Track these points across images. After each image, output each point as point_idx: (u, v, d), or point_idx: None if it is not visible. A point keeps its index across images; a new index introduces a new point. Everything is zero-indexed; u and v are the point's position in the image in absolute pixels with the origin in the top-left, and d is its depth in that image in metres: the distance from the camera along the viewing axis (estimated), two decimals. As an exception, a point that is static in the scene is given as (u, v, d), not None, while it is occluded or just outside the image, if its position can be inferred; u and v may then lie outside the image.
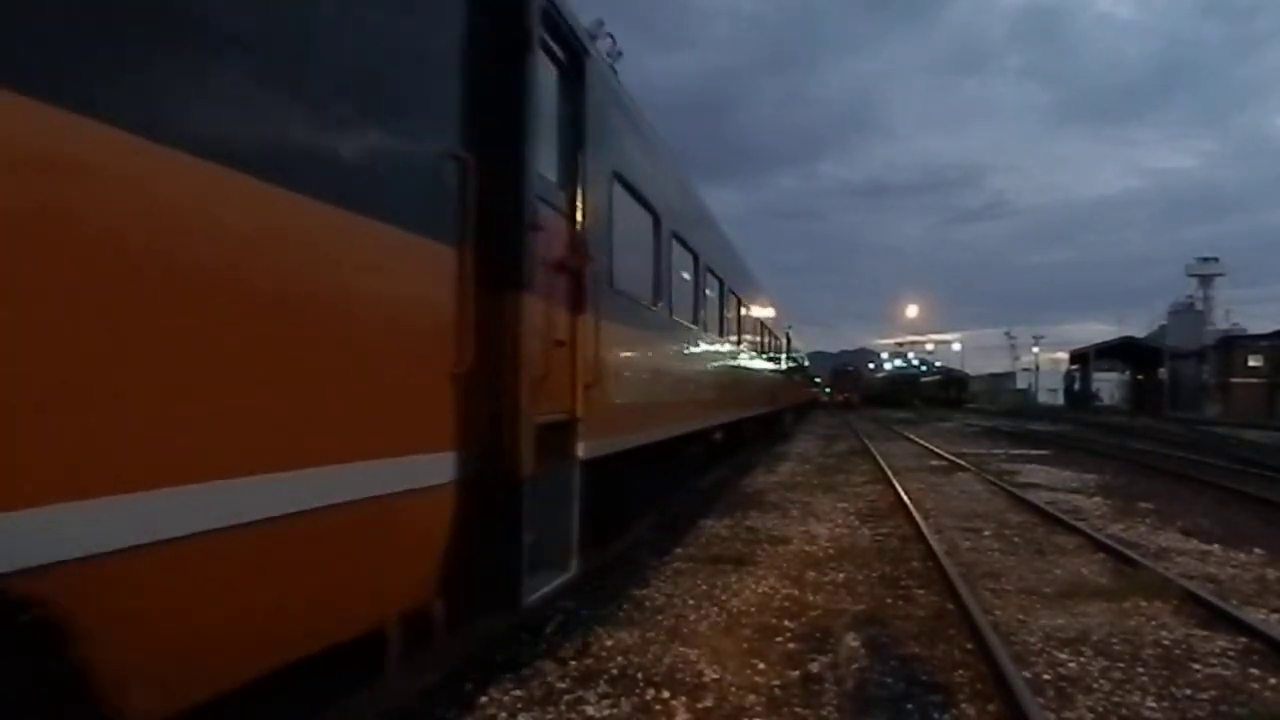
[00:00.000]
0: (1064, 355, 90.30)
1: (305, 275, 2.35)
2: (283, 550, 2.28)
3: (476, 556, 3.36)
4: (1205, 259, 73.88)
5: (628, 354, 5.60)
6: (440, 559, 3.17)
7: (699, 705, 4.05)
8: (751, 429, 16.59)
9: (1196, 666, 4.63)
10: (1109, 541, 7.89)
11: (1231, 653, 4.85)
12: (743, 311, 13.07)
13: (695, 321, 8.60)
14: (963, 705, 4.05)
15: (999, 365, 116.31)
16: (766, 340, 17.53)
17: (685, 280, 8.35)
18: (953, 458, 17.60)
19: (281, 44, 2.27)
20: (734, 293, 11.97)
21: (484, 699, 4.06)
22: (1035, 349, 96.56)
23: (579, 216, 4.45)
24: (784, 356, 22.89)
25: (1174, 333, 65.73)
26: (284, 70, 2.26)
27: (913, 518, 9.30)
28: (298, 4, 2.36)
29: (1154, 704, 4.09)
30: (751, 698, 4.15)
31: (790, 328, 26.04)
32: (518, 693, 4.15)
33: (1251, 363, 57.81)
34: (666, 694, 4.18)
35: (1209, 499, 11.70)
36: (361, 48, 2.63)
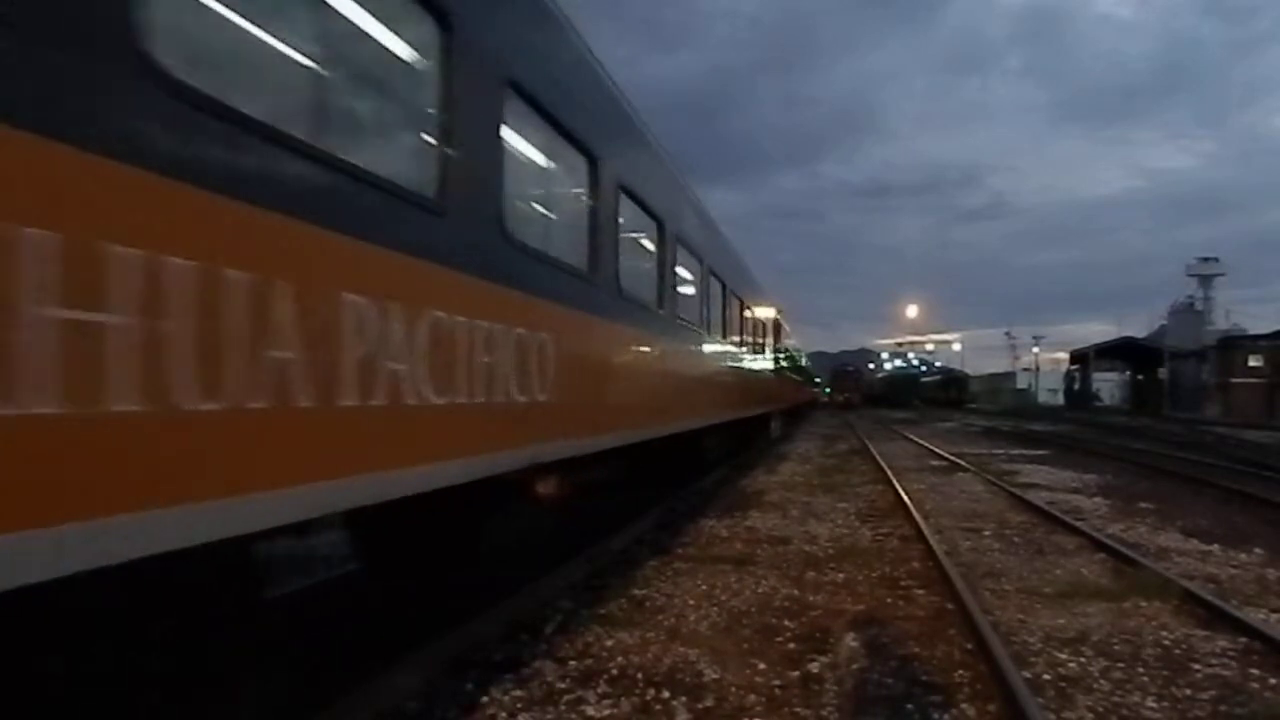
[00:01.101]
0: (1064, 355, 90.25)
1: None
2: None
3: None
4: (1205, 259, 73.74)
5: None
6: None
7: (699, 705, 4.04)
8: (717, 442, 12.92)
9: (1197, 666, 4.62)
10: (1109, 541, 7.89)
11: (1232, 653, 4.84)
12: (683, 269, 9.24)
13: (546, 252, 4.84)
14: (963, 705, 4.05)
15: (999, 365, 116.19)
16: (734, 319, 13.36)
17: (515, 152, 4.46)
18: (953, 458, 17.59)
19: None
20: (655, 218, 7.74)
21: (484, 699, 4.06)
22: (1035, 349, 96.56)
23: None
24: (768, 345, 19.04)
25: (1174, 333, 65.67)
26: None
27: (913, 518, 9.30)
28: None
29: (1154, 704, 4.09)
30: (752, 698, 4.15)
31: (780, 312, 22.15)
32: (518, 693, 4.15)
33: (1251, 363, 57.73)
34: (666, 694, 4.17)
35: (1209, 499, 11.70)
36: None
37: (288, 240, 2.60)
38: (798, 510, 10.35)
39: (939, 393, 77.80)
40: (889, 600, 6.02)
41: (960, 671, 4.51)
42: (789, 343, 27.18)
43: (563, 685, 4.26)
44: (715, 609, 5.73)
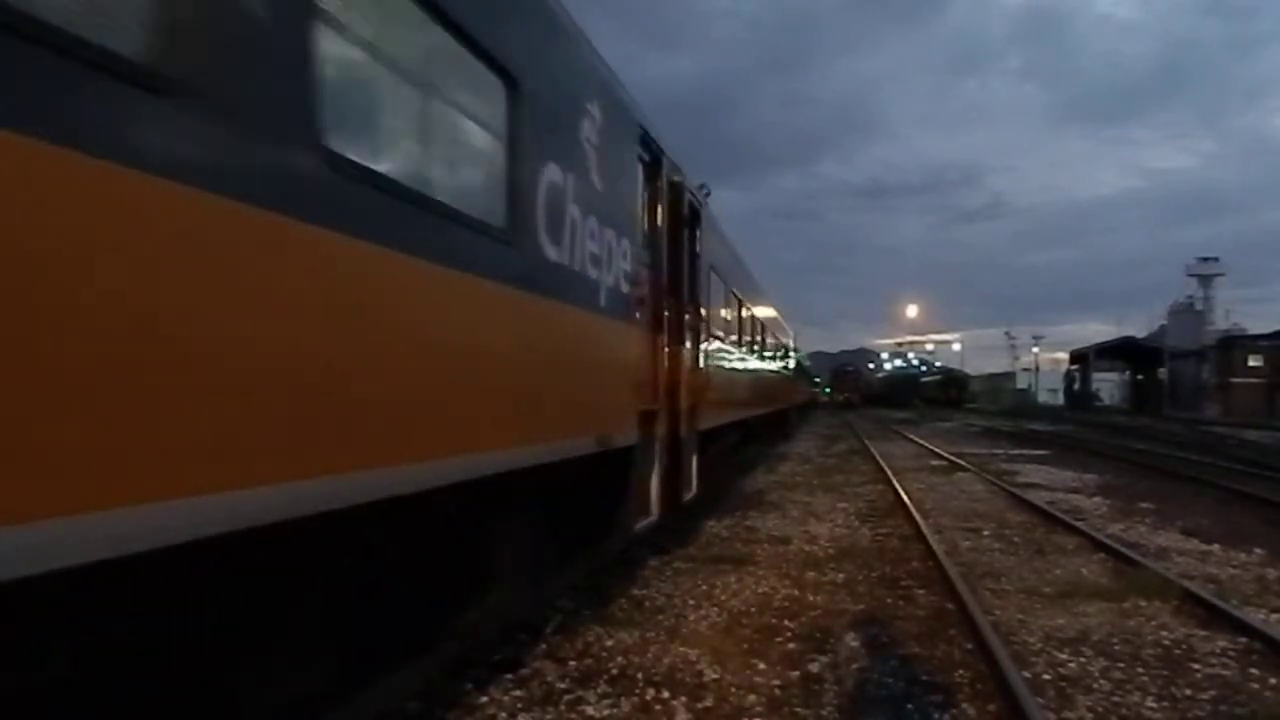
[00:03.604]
0: (1064, 355, 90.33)
1: None
2: None
3: None
4: (1205, 259, 73.88)
5: None
6: None
7: (699, 705, 4.05)
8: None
9: (1196, 666, 4.63)
10: (1109, 541, 7.89)
11: (1231, 653, 4.84)
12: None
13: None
14: (963, 705, 4.05)
15: (999, 365, 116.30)
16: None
17: None
18: (952, 458, 17.59)
19: None
20: None
21: (484, 699, 4.06)
22: (1035, 349, 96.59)
23: None
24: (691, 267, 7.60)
25: (1174, 333, 65.73)
26: None
27: (913, 518, 9.30)
28: None
29: (1154, 704, 4.09)
30: (751, 698, 4.15)
31: (704, 204, 8.71)
32: (518, 693, 4.15)
33: (1251, 363, 57.76)
34: (666, 694, 4.18)
35: (1209, 499, 11.70)
36: None
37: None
38: (798, 510, 10.35)
39: (939, 393, 77.71)
40: (889, 600, 6.02)
41: (960, 671, 4.51)
42: (762, 311, 15.06)
43: (563, 685, 4.26)
44: (715, 609, 5.73)
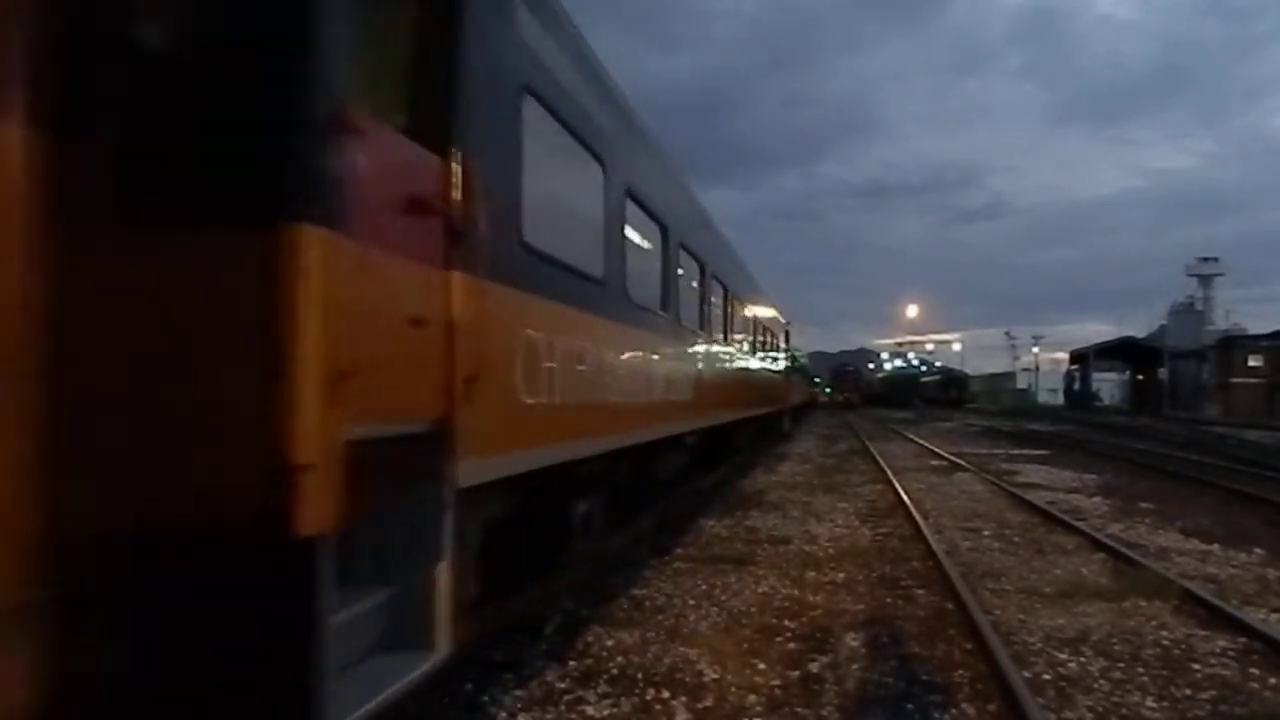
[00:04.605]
0: (1064, 355, 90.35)
1: None
2: None
3: None
4: (1205, 259, 74.02)
5: None
6: None
7: (699, 705, 4.05)
8: None
9: (1196, 666, 4.63)
10: (1109, 541, 7.89)
11: (1231, 653, 4.84)
12: None
13: None
14: (963, 705, 4.05)
15: (999, 365, 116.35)
16: None
17: None
18: (953, 458, 17.59)
19: None
20: None
21: (484, 699, 4.06)
22: (1035, 349, 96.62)
23: None
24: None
25: (1174, 333, 65.72)
26: None
27: (913, 518, 9.31)
28: None
29: (1154, 704, 4.09)
30: (751, 698, 4.15)
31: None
32: (518, 693, 4.16)
33: (1251, 363, 57.80)
34: (666, 694, 4.18)
35: (1209, 499, 11.69)
36: None
37: None
38: (798, 510, 10.35)
39: (939, 393, 77.68)
40: (889, 600, 6.02)
41: (960, 671, 4.51)
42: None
43: (563, 685, 4.26)
44: (715, 609, 5.73)
